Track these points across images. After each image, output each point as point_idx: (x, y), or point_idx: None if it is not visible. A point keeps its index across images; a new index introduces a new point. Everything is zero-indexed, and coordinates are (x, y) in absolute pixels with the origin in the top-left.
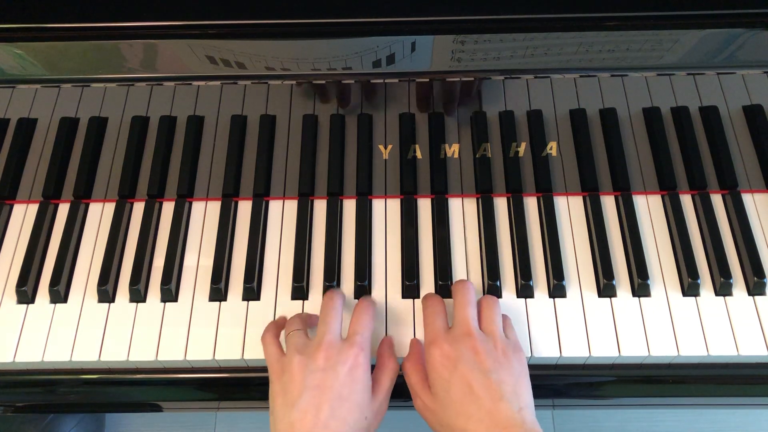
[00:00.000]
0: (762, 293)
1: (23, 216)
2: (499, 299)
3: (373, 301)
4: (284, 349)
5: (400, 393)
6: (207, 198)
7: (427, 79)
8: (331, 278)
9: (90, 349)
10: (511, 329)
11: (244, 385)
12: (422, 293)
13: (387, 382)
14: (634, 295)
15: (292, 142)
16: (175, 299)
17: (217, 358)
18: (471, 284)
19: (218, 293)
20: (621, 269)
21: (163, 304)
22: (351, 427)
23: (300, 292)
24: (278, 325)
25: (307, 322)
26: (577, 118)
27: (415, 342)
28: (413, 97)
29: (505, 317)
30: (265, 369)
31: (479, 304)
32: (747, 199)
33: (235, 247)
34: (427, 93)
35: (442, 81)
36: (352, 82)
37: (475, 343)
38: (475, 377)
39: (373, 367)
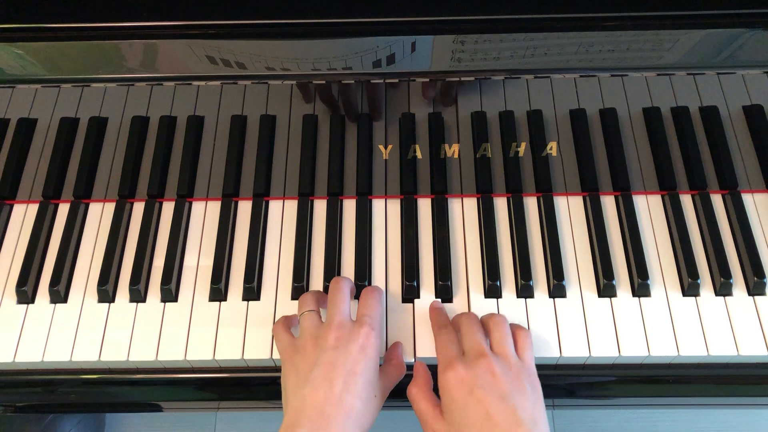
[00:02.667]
0: (762, 293)
1: (23, 216)
2: (499, 299)
3: (379, 288)
4: (295, 337)
5: (400, 393)
6: (207, 198)
7: (428, 79)
8: (331, 278)
9: (90, 349)
10: (527, 348)
11: (244, 385)
12: (422, 293)
13: (394, 375)
14: (634, 295)
15: (292, 142)
16: (175, 299)
17: (217, 358)
18: (473, 314)
19: (218, 293)
20: (621, 269)
21: (163, 304)
22: (364, 403)
23: (300, 292)
24: (289, 319)
25: (320, 301)
26: (577, 118)
27: (420, 366)
28: (414, 97)
29: (523, 334)
30: (264, 369)
31: (486, 324)
32: (747, 199)
33: (235, 247)
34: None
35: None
36: (352, 82)
37: (491, 365)
38: (492, 402)
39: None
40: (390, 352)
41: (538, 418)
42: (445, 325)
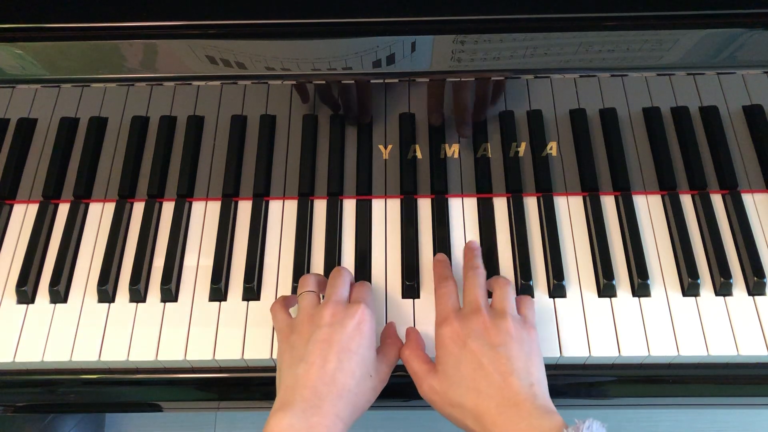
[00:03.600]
0: (762, 293)
1: (23, 216)
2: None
3: (367, 282)
4: (293, 317)
5: (401, 393)
6: (207, 198)
7: (427, 79)
8: None
9: (90, 349)
10: (529, 309)
11: (244, 385)
12: (422, 293)
13: (392, 354)
14: (634, 295)
15: (292, 142)
16: (175, 299)
17: (217, 358)
18: (482, 270)
19: (218, 293)
20: (621, 269)
21: (163, 304)
22: (357, 381)
23: None
24: (287, 299)
25: (320, 284)
26: (577, 118)
27: (411, 330)
28: (414, 97)
29: (527, 299)
30: (264, 369)
31: (491, 284)
32: (747, 199)
33: (235, 247)
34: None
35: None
36: (352, 82)
37: (485, 319)
38: (484, 353)
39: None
40: (385, 331)
41: (533, 368)
42: (446, 278)
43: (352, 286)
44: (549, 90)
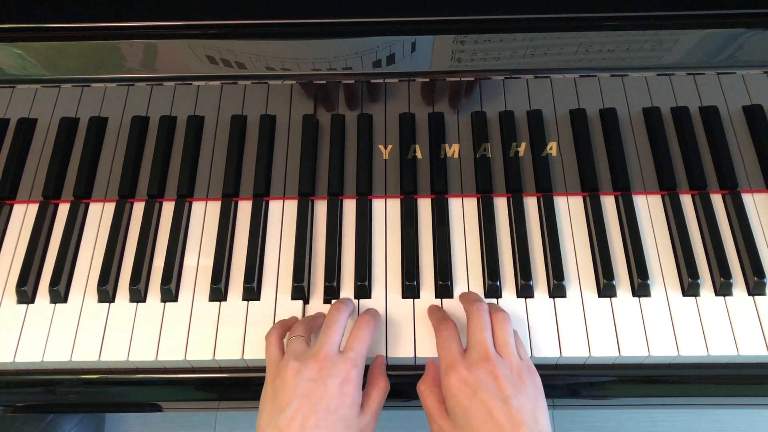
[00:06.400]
0: (762, 293)
1: (23, 216)
2: (499, 299)
3: (377, 314)
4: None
5: (400, 393)
6: (207, 198)
7: (428, 79)
8: (331, 278)
9: (90, 349)
10: (522, 347)
11: (244, 385)
12: (422, 293)
13: (377, 399)
14: (634, 295)
15: (292, 142)
16: (175, 299)
17: (217, 358)
18: (485, 305)
19: (218, 293)
20: (621, 269)
21: (163, 304)
22: None
23: (300, 292)
24: (285, 326)
25: (312, 326)
26: (577, 118)
27: (431, 363)
28: (414, 97)
29: (515, 333)
30: (264, 369)
31: (491, 322)
32: (747, 199)
33: (235, 247)
34: (431, 88)
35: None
36: (352, 82)
37: (494, 368)
38: (495, 404)
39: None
40: (372, 368)
41: (540, 416)
42: (445, 320)
43: (353, 313)
44: (549, 90)
